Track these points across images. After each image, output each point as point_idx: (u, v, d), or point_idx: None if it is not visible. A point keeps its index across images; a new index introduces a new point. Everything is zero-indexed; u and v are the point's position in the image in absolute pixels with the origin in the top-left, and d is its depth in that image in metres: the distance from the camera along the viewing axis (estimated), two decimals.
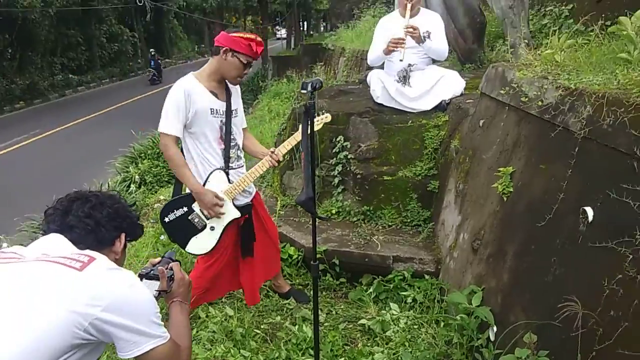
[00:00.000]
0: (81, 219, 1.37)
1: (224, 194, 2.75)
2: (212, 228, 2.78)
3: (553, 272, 1.96)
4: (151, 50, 22.52)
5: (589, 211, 1.84)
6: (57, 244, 1.32)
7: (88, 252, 1.27)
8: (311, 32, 21.44)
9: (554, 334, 1.82)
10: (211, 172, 2.74)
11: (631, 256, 1.56)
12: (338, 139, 4.09)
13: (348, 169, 4.07)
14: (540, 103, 2.33)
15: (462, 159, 3.35)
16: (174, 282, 1.52)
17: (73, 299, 1.13)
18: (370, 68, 5.04)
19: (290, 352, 2.65)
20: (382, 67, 4.35)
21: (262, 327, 3.00)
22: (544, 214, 2.10)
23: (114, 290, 1.19)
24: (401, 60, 3.81)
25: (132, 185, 6.73)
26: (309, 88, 2.08)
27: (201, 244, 2.80)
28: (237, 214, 2.79)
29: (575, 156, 2.02)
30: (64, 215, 1.38)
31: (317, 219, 2.58)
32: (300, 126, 2.68)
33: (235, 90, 2.86)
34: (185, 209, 2.78)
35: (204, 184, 2.72)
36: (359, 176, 4.02)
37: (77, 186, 5.69)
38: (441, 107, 3.98)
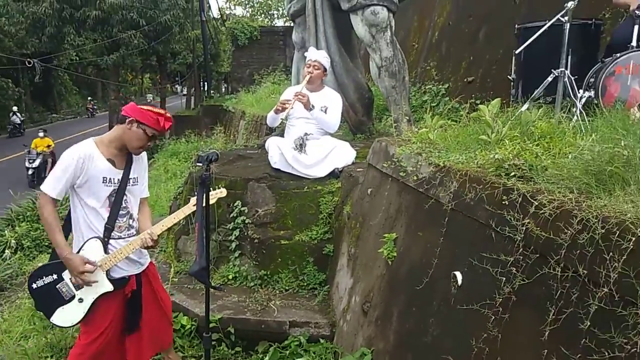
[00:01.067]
0: None
1: (98, 265, 2.64)
2: (81, 300, 2.64)
3: (431, 333, 2.14)
4: (14, 107, 22.77)
5: (459, 275, 2.08)
6: None
7: None
8: (212, 94, 21.64)
9: None
10: (86, 240, 2.64)
11: (493, 317, 1.78)
12: (236, 204, 4.14)
13: (245, 233, 4.10)
14: (415, 177, 2.61)
15: (353, 224, 3.56)
16: None
17: None
18: (269, 133, 5.26)
19: None
20: (282, 134, 4.57)
21: None
22: (422, 278, 2.31)
23: None
24: (283, 120, 4.14)
25: (6, 251, 6.11)
26: (205, 161, 2.15)
27: (67, 315, 2.65)
28: (109, 287, 2.66)
29: (445, 225, 2.28)
30: None
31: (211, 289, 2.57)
32: (191, 201, 2.72)
33: (140, 159, 2.82)
34: (55, 276, 2.65)
35: (79, 251, 2.62)
36: (256, 241, 4.07)
37: None
38: (334, 175, 4.23)
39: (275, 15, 26.62)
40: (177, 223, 4.39)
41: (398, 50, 4.99)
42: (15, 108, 23.07)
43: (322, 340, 3.36)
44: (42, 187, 2.57)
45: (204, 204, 2.29)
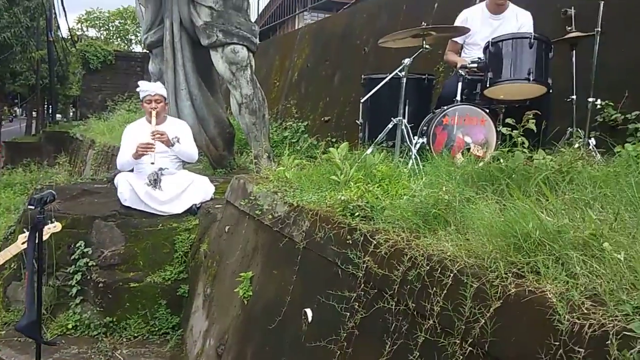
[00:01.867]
0: None
1: None
2: None
3: None
4: None
5: (309, 312, 2.15)
6: None
7: None
8: (57, 119, 19.70)
9: None
10: None
11: (338, 352, 1.86)
12: (78, 245, 3.78)
13: (89, 277, 3.76)
14: (271, 216, 2.67)
15: (210, 263, 3.48)
16: None
17: None
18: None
19: None
20: (132, 170, 4.32)
21: None
22: (275, 316, 2.34)
23: None
24: (152, 163, 3.90)
25: None
26: (38, 204, 1.95)
27: None
28: None
29: (298, 263, 2.35)
30: None
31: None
32: (19, 239, 2.44)
33: None
34: None
35: None
36: (101, 285, 3.74)
37: None
38: (192, 211, 4.11)
39: (133, 41, 25.44)
40: (6, 267, 3.87)
41: (258, 88, 5.12)
42: None
43: None
44: None
45: (35, 250, 2.05)
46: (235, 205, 3.32)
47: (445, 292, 1.44)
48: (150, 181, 4.06)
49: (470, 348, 1.32)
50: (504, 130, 2.34)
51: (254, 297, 2.69)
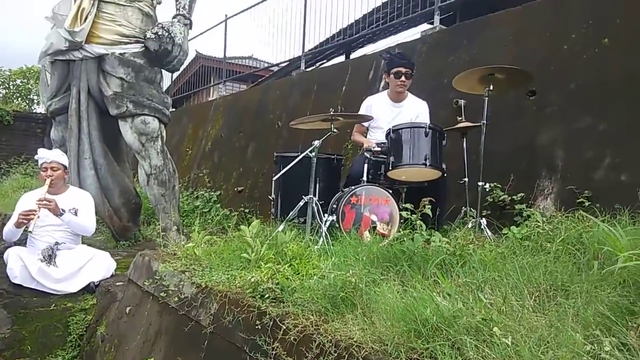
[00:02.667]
0: None
1: None
2: None
3: None
4: None
5: None
6: None
7: None
8: None
9: None
10: None
11: None
12: None
13: None
14: (177, 297, 2.57)
15: (107, 348, 3.22)
16: None
17: None
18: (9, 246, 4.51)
19: None
20: (24, 244, 3.97)
21: None
22: None
23: None
24: (30, 232, 3.63)
25: None
26: None
27: None
28: None
29: (204, 350, 2.26)
30: None
31: None
32: None
33: None
34: None
35: None
36: None
37: None
38: (89, 290, 3.82)
39: (35, 101, 24.10)
40: None
41: (169, 159, 5.05)
42: None
43: None
44: None
45: None
46: (139, 285, 3.16)
47: None
48: (44, 257, 3.75)
49: None
50: (404, 213, 2.51)
51: None
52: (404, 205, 2.94)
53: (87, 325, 3.63)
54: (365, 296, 1.88)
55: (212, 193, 7.61)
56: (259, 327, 1.96)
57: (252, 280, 2.26)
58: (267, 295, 2.18)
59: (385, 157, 3.45)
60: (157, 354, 2.61)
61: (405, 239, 2.37)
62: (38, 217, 3.55)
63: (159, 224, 5.29)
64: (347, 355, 1.53)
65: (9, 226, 3.69)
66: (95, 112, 4.90)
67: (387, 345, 1.50)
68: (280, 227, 3.14)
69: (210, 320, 2.28)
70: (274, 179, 3.50)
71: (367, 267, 2.14)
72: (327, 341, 1.62)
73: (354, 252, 2.38)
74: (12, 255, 3.79)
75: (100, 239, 5.26)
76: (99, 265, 3.92)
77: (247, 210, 6.50)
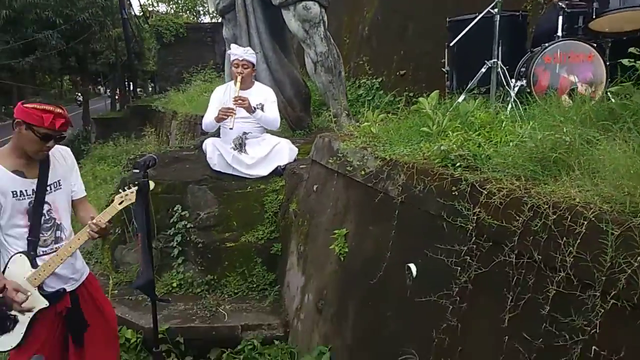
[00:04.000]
0: None
1: (27, 281, 2.42)
2: (17, 320, 2.43)
3: (389, 327, 2.15)
4: None
5: (413, 268, 2.10)
6: None
7: None
8: (138, 94, 20.73)
9: None
10: (10, 257, 2.42)
11: (451, 307, 1.80)
12: (175, 209, 3.97)
13: (188, 238, 3.95)
14: (363, 172, 2.61)
15: (300, 221, 3.52)
16: None
17: None
18: (204, 133, 5.08)
19: None
20: (218, 134, 4.43)
21: None
22: (375, 272, 2.32)
23: None
24: (231, 129, 3.98)
25: None
26: (142, 168, 2.02)
27: (4, 339, 2.42)
28: (44, 303, 2.46)
29: (396, 218, 2.29)
30: None
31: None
32: (115, 200, 2.54)
33: (61, 159, 2.56)
34: None
35: (4, 270, 2.39)
36: (200, 245, 3.92)
37: None
38: (277, 173, 4.17)
39: (201, 12, 25.86)
40: (111, 232, 4.15)
41: (332, 45, 4.99)
42: None
43: (276, 342, 3.30)
44: None
45: (143, 214, 2.16)
46: (322, 164, 3.30)
47: (579, 241, 1.31)
48: (235, 145, 4.15)
49: (613, 301, 1.21)
50: (625, 62, 2.07)
51: (350, 253, 2.68)
52: (609, 62, 2.47)
53: (280, 203, 4.01)
54: (583, 157, 1.64)
55: (374, 80, 7.48)
56: (456, 193, 1.88)
57: (442, 149, 2.15)
58: (458, 164, 2.08)
59: (584, 5, 2.88)
60: (348, 225, 2.75)
61: (623, 92, 1.99)
62: (235, 114, 3.89)
63: (327, 113, 5.43)
64: (570, 216, 1.37)
65: (209, 119, 4.14)
66: (259, 5, 4.99)
67: (623, 204, 1.30)
68: (461, 98, 2.92)
69: (398, 191, 2.27)
70: (449, 45, 3.20)
71: (579, 128, 1.86)
72: (543, 203, 1.47)
73: (561, 113, 2.09)
74: (210, 146, 4.27)
75: (278, 130, 5.63)
76: (284, 150, 4.21)
77: (412, 94, 6.27)
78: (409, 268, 2.11)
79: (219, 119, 4.00)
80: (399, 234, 2.26)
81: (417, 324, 1.99)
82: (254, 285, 3.88)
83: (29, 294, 2.41)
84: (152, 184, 2.90)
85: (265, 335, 3.37)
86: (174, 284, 3.86)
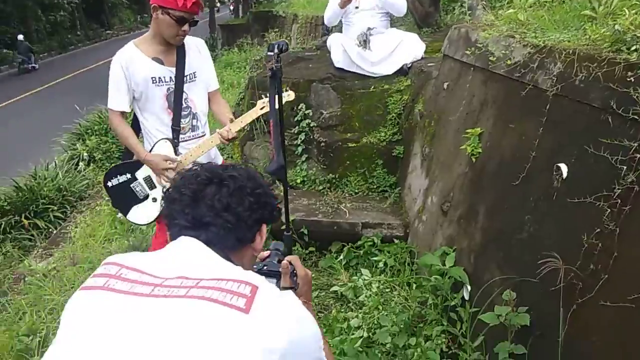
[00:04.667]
0: (218, 213, 1.04)
1: (178, 159, 2.62)
2: (154, 199, 2.69)
3: (527, 230, 1.98)
4: (19, 36, 18.38)
5: (563, 167, 1.86)
6: (193, 255, 1.00)
7: (244, 274, 0.94)
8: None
9: (532, 290, 1.85)
10: (156, 142, 2.61)
11: (609, 210, 1.58)
12: (300, 107, 3.99)
13: (311, 137, 3.99)
14: (508, 62, 2.31)
15: (427, 122, 3.34)
16: (297, 278, 1.27)
17: (243, 356, 0.83)
18: (326, 33, 4.95)
19: None
20: (341, 31, 4.26)
21: None
22: (516, 173, 2.11)
23: (288, 334, 0.88)
24: (357, 8, 3.82)
25: (80, 163, 6.37)
26: (275, 50, 1.97)
27: (142, 213, 2.72)
28: None
29: (546, 114, 2.02)
30: (194, 203, 1.04)
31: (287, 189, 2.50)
32: (257, 104, 2.58)
33: (195, 51, 2.64)
34: (129, 175, 2.69)
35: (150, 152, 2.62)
36: (322, 144, 3.95)
37: (23, 167, 5.22)
38: (403, 72, 3.95)
39: None
40: (242, 129, 4.34)
41: None
42: (21, 36, 18.16)
43: (396, 241, 3.30)
44: (108, 105, 2.56)
45: (276, 100, 2.15)
46: (456, 58, 3.01)
47: None
48: (359, 42, 3.96)
49: None
50: None
51: (484, 154, 2.48)
52: None
53: (404, 104, 3.83)
54: None
55: None
56: (631, 80, 1.57)
57: (615, 28, 1.79)
58: (634, 46, 1.72)
59: None
60: (484, 124, 2.52)
61: None
62: None
63: (461, 8, 4.93)
64: None
65: (333, 8, 4.00)
66: None
67: None
68: None
69: (552, 82, 1.98)
70: None
71: None
72: None
73: None
74: (334, 42, 4.14)
75: (402, 27, 5.27)
76: (409, 47, 3.94)
77: None
78: (559, 168, 1.88)
79: (344, 4, 3.87)
80: (549, 131, 2.00)
81: (563, 227, 1.80)
82: (374, 187, 3.87)
83: (177, 161, 2.60)
84: (292, 95, 2.88)
85: (384, 234, 3.39)
86: (298, 180, 3.99)
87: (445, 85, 3.14)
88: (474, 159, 2.54)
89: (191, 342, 0.82)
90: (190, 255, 1.00)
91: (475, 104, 2.67)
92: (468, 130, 2.58)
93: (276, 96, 2.14)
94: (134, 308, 0.87)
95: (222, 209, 1.04)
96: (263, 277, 0.96)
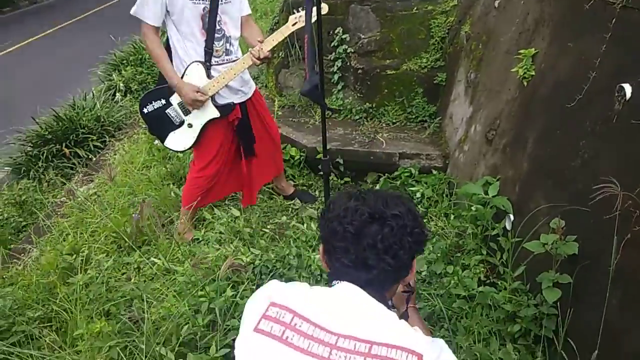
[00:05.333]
0: (380, 257, 1.06)
1: (207, 93, 2.57)
2: (190, 125, 2.67)
3: (582, 156, 1.85)
4: None
5: (627, 88, 1.69)
6: (357, 306, 1.05)
7: (410, 339, 1.00)
8: None
9: (581, 219, 1.75)
10: (188, 65, 2.55)
11: None
12: (336, 31, 3.80)
13: (348, 64, 3.83)
14: None
15: (474, 45, 3.12)
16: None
17: None
18: None
19: (300, 249, 2.62)
20: None
21: (268, 227, 2.95)
22: (572, 96, 1.95)
23: None
24: None
25: (117, 94, 6.40)
26: None
27: (179, 140, 2.72)
28: (215, 113, 2.64)
29: (611, 29, 1.82)
30: (356, 241, 1.08)
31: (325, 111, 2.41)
32: (290, 20, 2.45)
33: None
34: (164, 101, 2.67)
35: (182, 77, 2.56)
36: (360, 71, 3.79)
37: (61, 95, 5.28)
38: None
39: None
40: (275, 56, 4.20)
41: None
42: None
43: (434, 172, 3.21)
44: (136, 13, 2.47)
45: (310, 15, 2.01)
46: None
47: None
48: None
49: None
50: None
51: (537, 77, 2.29)
52: None
53: (449, 27, 3.58)
54: None
55: None
56: None
57: None
58: None
59: None
60: (538, 44, 2.32)
61: None
62: None
63: None
64: None
65: None
66: None
67: None
68: None
69: None
70: None
71: None
72: None
73: None
74: None
75: None
76: None
77: None
78: (622, 89, 1.71)
79: None
80: (612, 49, 1.81)
81: (624, 153, 1.66)
82: (413, 116, 3.73)
83: (207, 96, 2.57)
84: (326, 7, 2.70)
85: (422, 165, 3.30)
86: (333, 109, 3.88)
87: (496, 4, 2.89)
88: (525, 83, 2.37)
89: None
90: (354, 306, 1.05)
91: (530, 23, 2.45)
92: (521, 51, 2.39)
93: (313, 8, 2.00)
94: None
95: (384, 251, 1.06)
96: (424, 339, 1.01)
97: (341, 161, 3.42)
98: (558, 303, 1.79)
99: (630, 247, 1.49)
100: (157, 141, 3.95)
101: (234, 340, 2.01)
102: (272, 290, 1.10)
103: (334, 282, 1.11)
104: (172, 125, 2.70)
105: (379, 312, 1.04)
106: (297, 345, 0.97)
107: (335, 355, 0.96)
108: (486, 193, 2.34)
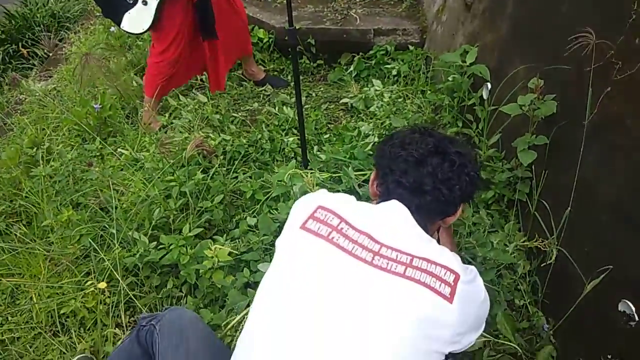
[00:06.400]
0: (437, 184, 1.11)
1: None
2: (145, 2, 2.42)
3: (560, 12, 1.72)
4: None
5: None
6: (401, 223, 1.08)
7: (448, 258, 1.03)
8: None
9: (560, 78, 1.67)
10: None
11: None
12: None
13: None
14: None
15: None
16: None
17: (437, 338, 0.97)
18: None
19: (272, 133, 2.53)
20: None
21: (239, 113, 2.84)
22: None
23: (475, 319, 1.05)
24: None
25: None
26: None
27: (135, 21, 2.49)
28: None
29: None
30: (417, 166, 1.12)
31: None
32: None
33: None
34: None
35: None
36: None
37: None
38: None
39: None
40: None
41: None
42: None
43: (411, 48, 3.05)
44: None
45: None
46: None
47: None
48: None
49: None
50: None
51: None
52: None
53: None
54: None
55: None
56: None
57: None
58: None
59: None
60: None
61: None
62: None
63: None
64: None
65: None
66: None
67: None
68: None
69: None
70: None
71: None
72: None
73: None
74: None
75: None
76: None
77: None
78: None
79: None
80: None
81: (606, 5, 1.53)
82: None
83: None
84: None
85: (398, 42, 3.13)
86: None
87: None
88: None
89: (399, 318, 0.94)
90: (399, 222, 1.07)
91: None
92: None
93: None
94: (357, 272, 0.97)
95: (441, 182, 1.11)
96: (460, 263, 1.05)
97: (313, 42, 3.22)
98: (532, 166, 1.78)
99: (608, 99, 1.43)
100: (113, 28, 3.66)
101: (207, 221, 2.00)
102: (321, 195, 1.14)
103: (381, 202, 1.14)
104: (126, 4, 2.46)
105: (422, 233, 1.08)
106: (342, 246, 1.00)
107: (378, 261, 0.99)
108: (464, 61, 2.22)
